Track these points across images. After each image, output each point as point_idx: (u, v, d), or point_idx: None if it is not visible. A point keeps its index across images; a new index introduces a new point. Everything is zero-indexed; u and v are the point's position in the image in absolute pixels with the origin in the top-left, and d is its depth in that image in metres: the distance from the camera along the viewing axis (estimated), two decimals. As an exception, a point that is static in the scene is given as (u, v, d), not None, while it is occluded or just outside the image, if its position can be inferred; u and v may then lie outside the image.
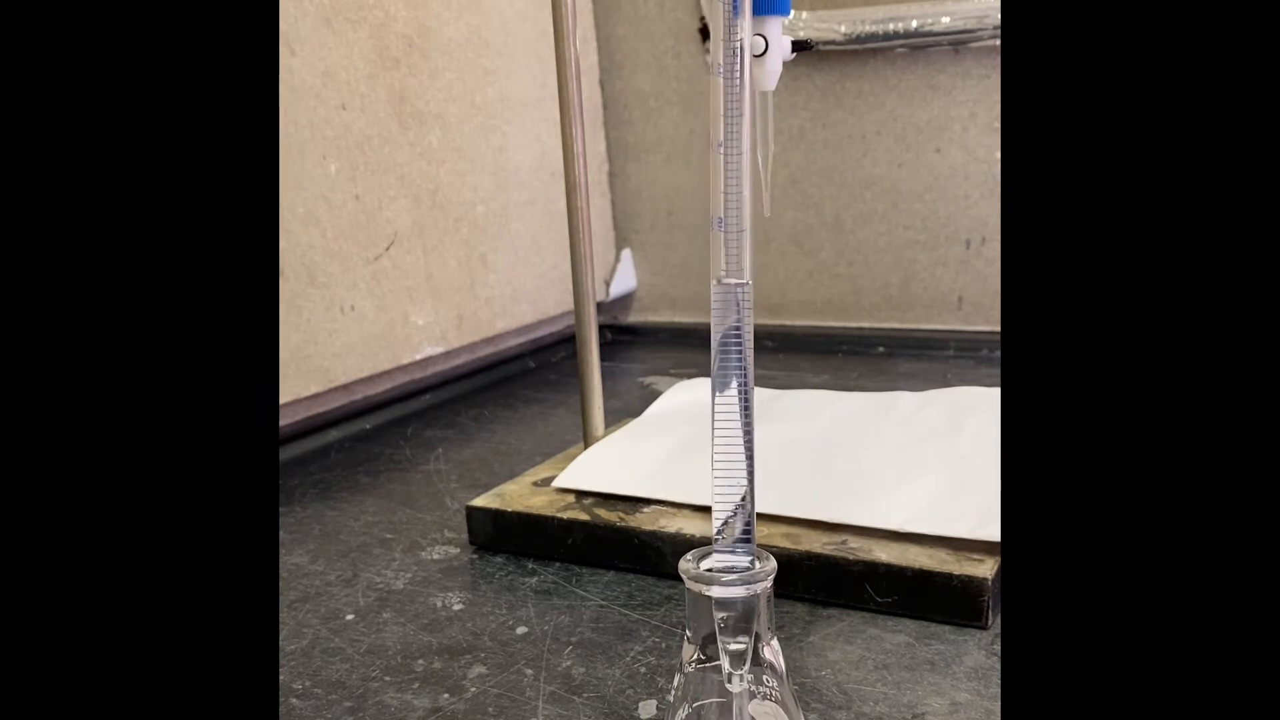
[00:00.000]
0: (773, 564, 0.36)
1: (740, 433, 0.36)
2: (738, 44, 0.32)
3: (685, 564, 0.36)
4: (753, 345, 0.35)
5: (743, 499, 0.36)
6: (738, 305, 0.34)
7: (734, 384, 0.35)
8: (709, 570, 0.36)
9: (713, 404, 0.35)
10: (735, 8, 0.32)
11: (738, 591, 0.35)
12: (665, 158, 1.16)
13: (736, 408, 0.35)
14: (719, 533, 0.36)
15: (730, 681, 0.35)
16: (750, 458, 0.36)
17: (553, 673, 0.47)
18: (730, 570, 0.36)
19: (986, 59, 0.99)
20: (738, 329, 0.35)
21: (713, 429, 0.35)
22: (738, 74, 0.33)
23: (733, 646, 0.35)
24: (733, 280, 0.34)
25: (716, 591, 0.35)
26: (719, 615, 0.35)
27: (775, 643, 0.36)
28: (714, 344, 0.35)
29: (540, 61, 1.03)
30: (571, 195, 0.64)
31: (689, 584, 0.35)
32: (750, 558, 0.36)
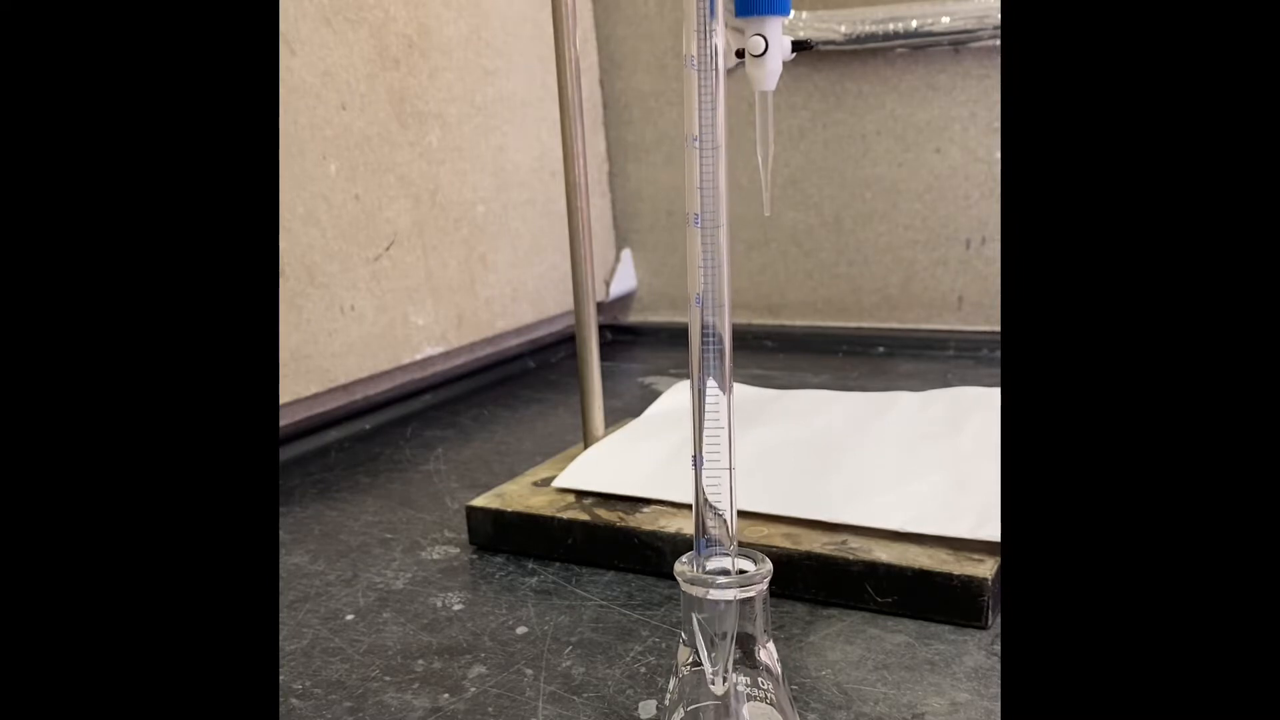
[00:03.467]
0: (768, 566, 0.35)
1: (725, 436, 0.36)
2: (712, 33, 0.32)
3: (680, 566, 0.36)
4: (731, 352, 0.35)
5: (717, 503, 0.36)
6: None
7: (714, 388, 0.35)
8: (705, 573, 0.36)
9: (694, 410, 0.35)
10: (711, 9, 0.32)
11: (726, 594, 0.35)
12: (665, 158, 1.16)
13: (722, 412, 0.35)
14: (697, 535, 0.36)
15: (714, 684, 0.35)
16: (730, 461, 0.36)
17: (553, 673, 0.47)
18: (723, 573, 0.36)
19: (986, 59, 0.99)
20: (715, 332, 0.35)
21: (697, 435, 0.35)
22: (712, 64, 0.32)
23: (714, 651, 0.35)
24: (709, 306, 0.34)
25: (700, 593, 0.35)
26: (702, 617, 0.35)
27: (771, 645, 0.36)
28: (693, 350, 0.35)
29: (540, 61, 1.03)
30: (571, 195, 0.64)
31: (683, 586, 0.35)
32: (740, 560, 0.36)
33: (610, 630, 0.51)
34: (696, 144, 0.33)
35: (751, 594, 0.35)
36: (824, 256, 1.11)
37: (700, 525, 0.36)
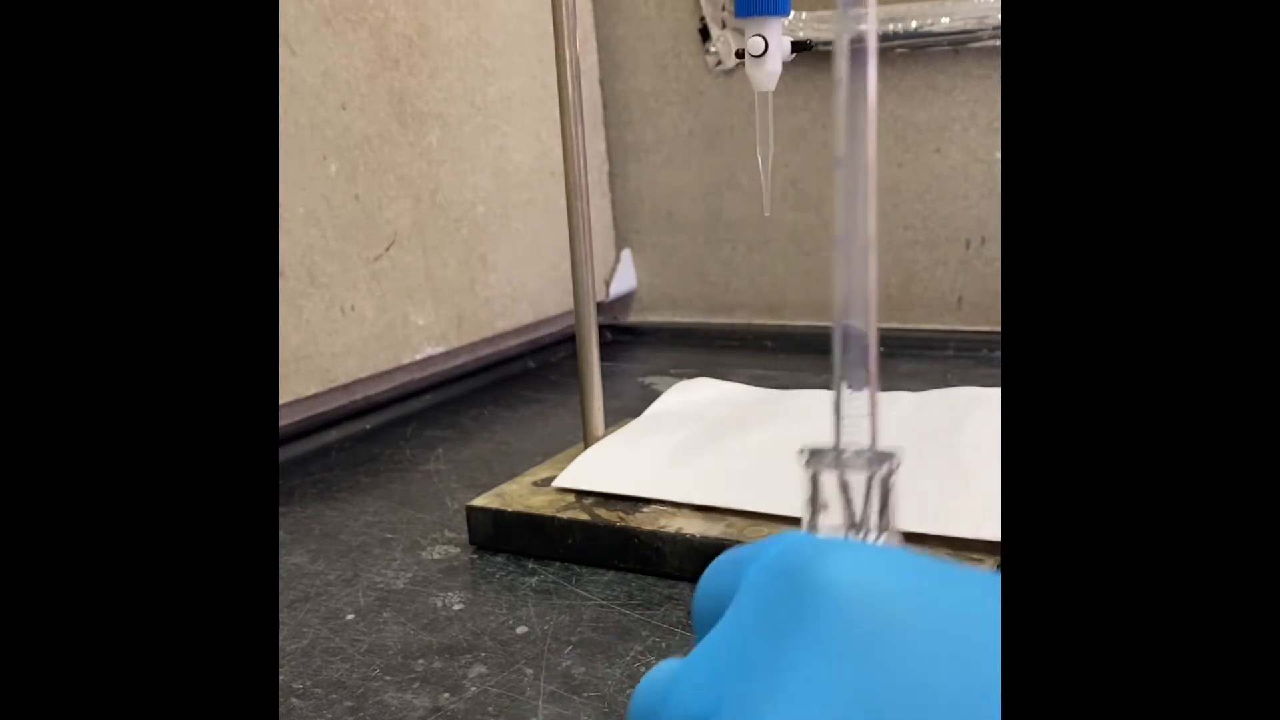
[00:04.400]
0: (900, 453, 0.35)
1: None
2: (861, 45, 0.32)
3: (804, 452, 0.36)
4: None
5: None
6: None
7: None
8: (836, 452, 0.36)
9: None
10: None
11: (860, 469, 0.35)
12: (665, 158, 1.16)
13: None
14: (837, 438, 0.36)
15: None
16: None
17: (553, 672, 0.47)
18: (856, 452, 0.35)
19: (986, 59, 0.99)
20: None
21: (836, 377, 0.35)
22: (862, 81, 0.32)
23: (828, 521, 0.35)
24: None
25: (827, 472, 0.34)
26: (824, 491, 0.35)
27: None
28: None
29: (540, 61, 1.03)
30: (571, 195, 0.64)
31: (805, 469, 0.35)
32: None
33: (610, 630, 0.51)
34: (842, 167, 0.33)
35: (883, 470, 0.35)
36: (824, 256, 1.11)
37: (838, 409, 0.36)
